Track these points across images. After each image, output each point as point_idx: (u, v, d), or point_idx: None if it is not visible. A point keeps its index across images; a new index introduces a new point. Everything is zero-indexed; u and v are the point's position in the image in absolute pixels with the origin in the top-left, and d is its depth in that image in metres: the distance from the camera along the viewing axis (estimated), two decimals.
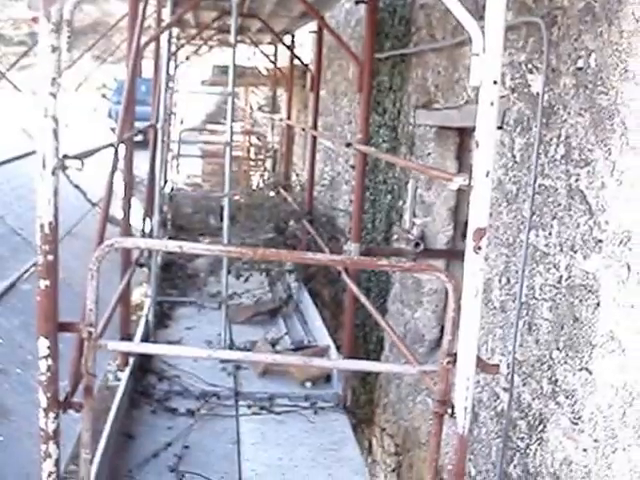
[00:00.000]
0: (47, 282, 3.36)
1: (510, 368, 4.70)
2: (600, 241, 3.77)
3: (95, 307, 3.48)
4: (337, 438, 6.15)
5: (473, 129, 3.06)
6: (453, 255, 6.59)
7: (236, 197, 12.18)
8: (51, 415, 3.46)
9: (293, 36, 12.66)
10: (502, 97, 5.00)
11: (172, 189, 14.01)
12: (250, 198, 12.69)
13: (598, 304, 3.78)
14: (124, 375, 6.47)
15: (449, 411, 3.34)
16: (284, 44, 12.24)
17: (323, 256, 3.63)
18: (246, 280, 9.49)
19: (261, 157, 18.35)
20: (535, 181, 4.49)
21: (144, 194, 10.01)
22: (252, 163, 19.35)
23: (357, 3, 6.93)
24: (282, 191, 12.32)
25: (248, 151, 20.12)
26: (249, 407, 6.58)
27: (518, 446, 4.66)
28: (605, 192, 3.73)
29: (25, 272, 5.84)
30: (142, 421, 6.27)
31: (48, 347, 3.40)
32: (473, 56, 3.00)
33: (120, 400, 5.94)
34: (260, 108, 22.30)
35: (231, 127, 7.95)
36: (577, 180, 4.02)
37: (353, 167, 8.88)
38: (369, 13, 6.38)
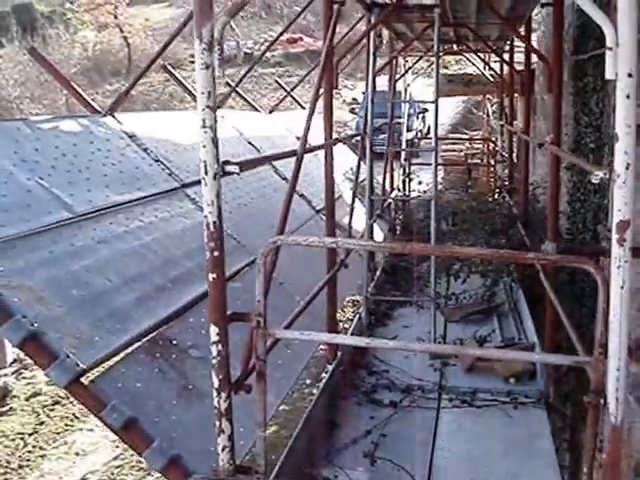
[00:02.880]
0: (214, 275, 3.80)
1: None
2: None
3: (263, 299, 3.90)
4: (533, 433, 6.23)
5: None
6: None
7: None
8: (223, 395, 3.90)
9: (512, 41, 12.71)
10: None
11: (404, 196, 14.45)
12: (476, 202, 12.86)
13: None
14: (330, 368, 6.93)
15: (602, 401, 3.42)
16: (494, 51, 12.33)
17: (472, 250, 3.83)
18: (464, 281, 9.69)
19: (493, 163, 18.38)
20: None
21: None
22: (491, 169, 19.43)
23: (542, 6, 6.98)
24: (506, 195, 12.40)
25: (487, 158, 20.22)
26: (451, 400, 6.82)
27: None
28: None
29: (237, 272, 6.41)
30: (347, 411, 6.69)
31: (218, 334, 3.85)
32: (607, 50, 3.10)
33: (323, 390, 6.39)
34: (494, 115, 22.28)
35: (436, 133, 8.24)
36: None
37: (567, 168, 8.87)
38: (555, 15, 6.44)
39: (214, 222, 3.70)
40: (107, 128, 6.58)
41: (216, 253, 3.76)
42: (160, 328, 4.87)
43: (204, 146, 3.59)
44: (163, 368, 4.63)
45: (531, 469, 5.71)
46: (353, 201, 8.51)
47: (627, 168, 3.07)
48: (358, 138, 9.94)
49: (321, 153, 7.00)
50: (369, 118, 8.51)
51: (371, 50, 8.63)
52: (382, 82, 12.67)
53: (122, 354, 4.39)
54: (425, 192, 17.57)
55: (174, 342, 4.88)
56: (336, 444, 6.12)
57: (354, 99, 35.43)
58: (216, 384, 3.88)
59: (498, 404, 6.72)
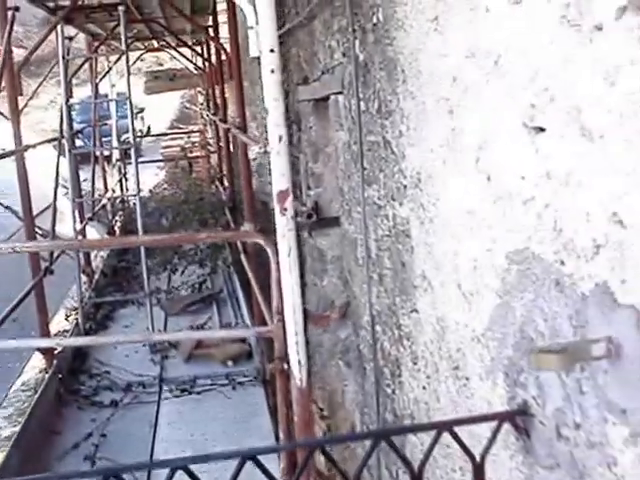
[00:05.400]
0: None
1: (371, 319, 4.96)
2: (405, 187, 4.03)
3: None
4: (251, 410, 6.48)
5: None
6: None
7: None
8: None
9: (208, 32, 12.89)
10: (340, 64, 5.25)
11: (121, 198, 14.31)
12: (192, 194, 13.02)
13: (412, 247, 4.04)
14: (47, 376, 6.78)
15: (285, 366, 3.56)
16: (188, 46, 12.49)
17: (147, 237, 3.92)
18: (182, 273, 9.82)
19: (205, 155, 18.54)
20: (361, 138, 4.74)
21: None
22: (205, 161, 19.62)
23: None
24: (218, 184, 12.65)
25: (204, 149, 20.33)
26: (171, 391, 6.92)
27: (387, 393, 4.93)
28: (402, 140, 3.99)
29: None
30: (68, 417, 6.60)
31: None
32: (249, 29, 3.22)
33: (39, 400, 6.25)
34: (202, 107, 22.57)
35: (133, 129, 8.26)
36: (386, 132, 4.27)
37: (265, 152, 9.17)
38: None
39: None
40: None
41: None
42: None
43: None
44: None
45: (250, 444, 5.89)
46: (54, 201, 8.27)
47: (280, 140, 3.21)
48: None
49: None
50: (64, 121, 8.37)
51: (60, 53, 8.46)
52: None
53: None
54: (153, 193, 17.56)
55: None
56: (57, 451, 6.02)
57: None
58: None
59: (217, 387, 6.89)
